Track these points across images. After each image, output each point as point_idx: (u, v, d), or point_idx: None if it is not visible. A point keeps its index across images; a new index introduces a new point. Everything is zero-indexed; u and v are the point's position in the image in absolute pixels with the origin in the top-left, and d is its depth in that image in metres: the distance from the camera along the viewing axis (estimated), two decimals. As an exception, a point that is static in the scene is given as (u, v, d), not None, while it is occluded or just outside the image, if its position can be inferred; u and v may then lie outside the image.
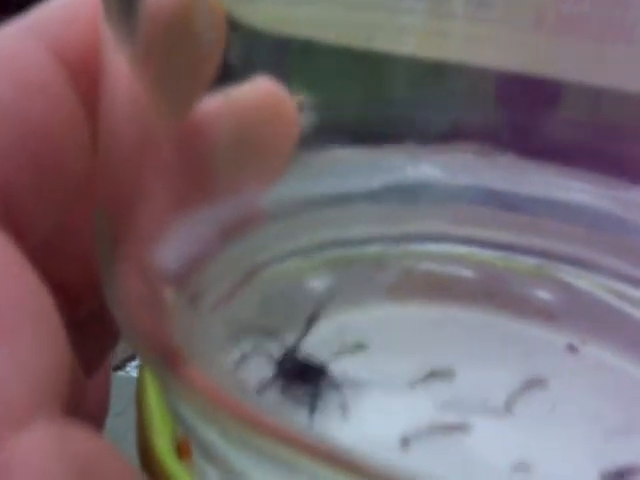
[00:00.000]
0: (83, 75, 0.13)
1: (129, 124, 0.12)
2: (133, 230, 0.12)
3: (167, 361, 0.11)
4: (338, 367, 0.14)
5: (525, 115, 0.16)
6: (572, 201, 0.16)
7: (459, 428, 0.14)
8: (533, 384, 0.15)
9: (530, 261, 0.17)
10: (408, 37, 0.15)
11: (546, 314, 0.16)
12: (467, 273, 0.17)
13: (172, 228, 0.13)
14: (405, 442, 0.13)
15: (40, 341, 0.11)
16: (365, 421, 0.13)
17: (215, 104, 0.13)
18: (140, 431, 0.12)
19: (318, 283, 0.16)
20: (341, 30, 0.15)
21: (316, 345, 0.15)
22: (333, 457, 0.10)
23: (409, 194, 0.16)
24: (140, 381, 0.12)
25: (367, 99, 0.16)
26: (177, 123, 0.13)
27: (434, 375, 0.15)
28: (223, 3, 0.13)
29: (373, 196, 0.16)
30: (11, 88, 0.12)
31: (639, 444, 0.14)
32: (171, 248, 0.13)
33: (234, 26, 0.13)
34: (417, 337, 0.16)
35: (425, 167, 0.16)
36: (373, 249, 0.16)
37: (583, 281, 0.16)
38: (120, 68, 0.12)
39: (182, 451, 0.11)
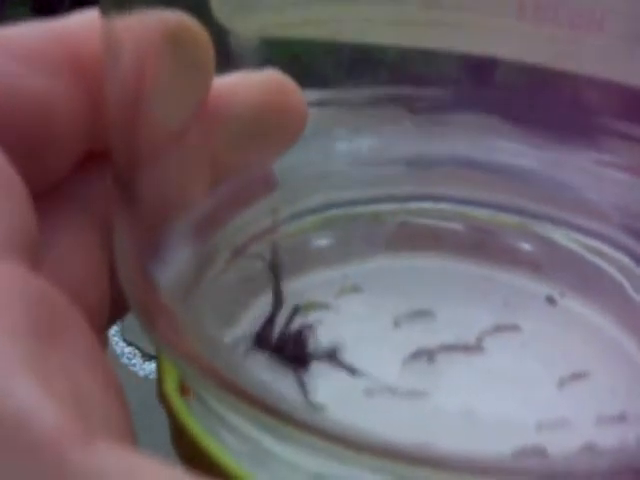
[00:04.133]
0: (92, 70, 0.14)
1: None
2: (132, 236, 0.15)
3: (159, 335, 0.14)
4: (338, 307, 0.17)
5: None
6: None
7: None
8: (507, 327, 0.17)
9: (514, 218, 0.19)
10: (392, 28, 0.17)
11: (531, 266, 0.18)
12: (457, 227, 0.19)
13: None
14: (369, 392, 0.15)
15: (12, 205, 0.12)
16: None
17: (229, 84, 0.16)
18: (157, 373, 0.15)
19: (322, 239, 0.18)
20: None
21: (319, 288, 0.17)
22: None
23: (401, 161, 0.18)
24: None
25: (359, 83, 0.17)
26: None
27: (416, 315, 0.17)
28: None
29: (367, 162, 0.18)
30: (17, 65, 0.14)
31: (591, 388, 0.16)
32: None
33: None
34: (406, 283, 0.18)
35: (414, 137, 0.18)
36: (372, 208, 0.18)
37: (559, 236, 0.18)
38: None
39: (184, 390, 0.15)
